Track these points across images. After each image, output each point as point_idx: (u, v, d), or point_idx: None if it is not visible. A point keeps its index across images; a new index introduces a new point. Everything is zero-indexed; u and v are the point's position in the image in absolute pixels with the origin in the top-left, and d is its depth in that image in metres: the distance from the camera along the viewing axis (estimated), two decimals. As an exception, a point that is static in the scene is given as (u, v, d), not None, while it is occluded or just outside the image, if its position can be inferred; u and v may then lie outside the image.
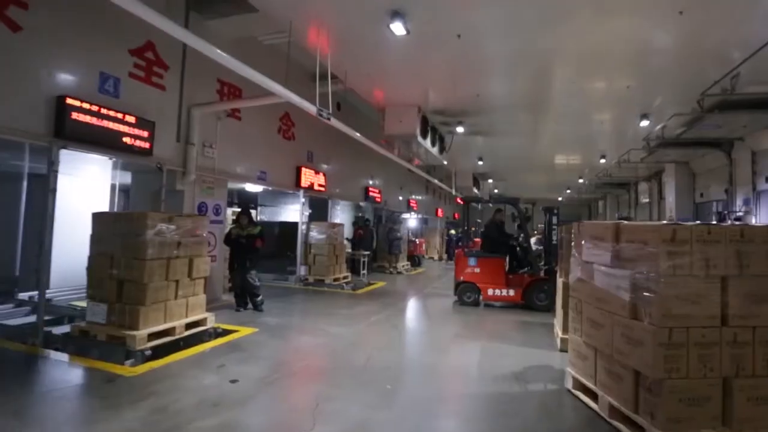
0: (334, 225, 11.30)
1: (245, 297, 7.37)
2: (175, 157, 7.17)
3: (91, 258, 5.21)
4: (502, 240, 8.90)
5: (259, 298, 7.38)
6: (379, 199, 16.39)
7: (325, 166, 12.16)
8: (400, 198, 19.77)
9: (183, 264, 5.49)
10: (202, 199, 7.85)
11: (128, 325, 4.87)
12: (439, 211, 27.17)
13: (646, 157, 15.16)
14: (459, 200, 8.42)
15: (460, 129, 12.26)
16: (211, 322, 5.81)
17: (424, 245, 19.38)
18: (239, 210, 7.58)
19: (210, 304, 7.73)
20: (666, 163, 16.12)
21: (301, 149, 11.12)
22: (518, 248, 9.05)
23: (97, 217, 5.27)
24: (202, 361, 4.63)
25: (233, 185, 9.77)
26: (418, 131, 10.86)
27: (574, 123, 12.30)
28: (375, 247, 15.42)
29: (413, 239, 18.15)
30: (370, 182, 15.87)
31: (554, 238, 8.38)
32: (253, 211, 9.76)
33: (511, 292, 8.32)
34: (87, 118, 5.42)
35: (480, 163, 18.33)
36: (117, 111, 5.87)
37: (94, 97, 5.70)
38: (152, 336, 4.92)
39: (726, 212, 12.64)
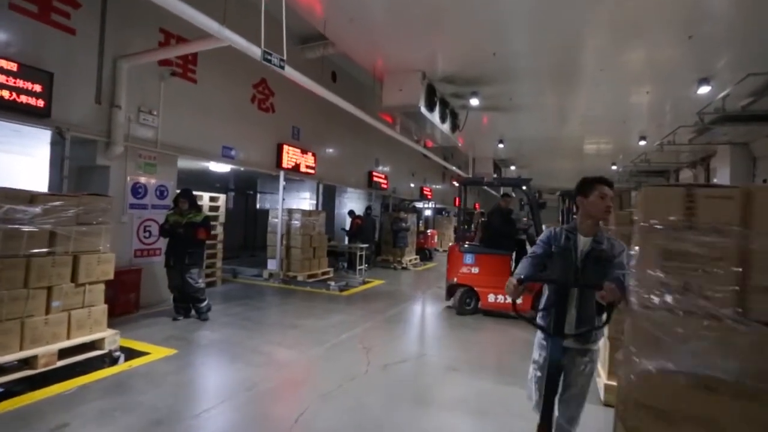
0: (311, 213, 9.60)
1: (186, 302, 5.78)
2: (92, 123, 5.57)
3: None
4: (507, 232, 7.06)
5: (203, 304, 5.77)
6: (385, 186, 14.64)
7: (315, 146, 10.44)
8: (412, 185, 17.97)
9: (62, 264, 3.89)
10: (139, 179, 6.26)
11: (-47, 355, 3.32)
12: (458, 200, 25.21)
13: (695, 137, 12.87)
14: (454, 181, 6.59)
15: (474, 101, 10.37)
16: (114, 342, 4.21)
17: (436, 237, 17.54)
18: (178, 192, 5.95)
19: (152, 308, 6.21)
20: (719, 145, 13.77)
21: (283, 124, 9.45)
22: (527, 242, 7.26)
23: None
24: (38, 415, 3.02)
25: (219, 167, 8.21)
26: (422, 101, 9.04)
27: (611, 94, 10.23)
28: (379, 239, 13.74)
29: (424, 231, 16.35)
30: (375, 167, 14.11)
31: None
32: (210, 196, 8.11)
33: (518, 299, 6.43)
34: None
35: (501, 146, 16.31)
36: (-17, 52, 4.30)
37: (-58, 29, 4.13)
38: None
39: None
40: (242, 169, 8.58)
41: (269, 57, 4.88)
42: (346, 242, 12.29)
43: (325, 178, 11.09)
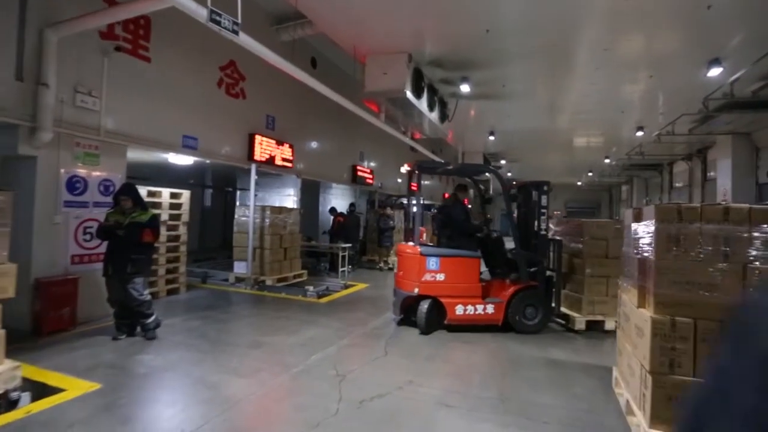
0: (281, 209, 8.71)
1: (129, 317, 4.88)
2: (11, 104, 4.64)
3: None
4: (469, 229, 6.04)
5: (150, 320, 4.87)
6: (370, 181, 13.80)
7: (293, 137, 9.53)
8: (399, 180, 17.16)
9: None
10: (76, 171, 5.33)
11: None
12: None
13: (695, 127, 12.29)
14: (408, 167, 5.72)
15: (465, 88, 9.54)
16: (12, 379, 3.28)
17: (425, 235, 16.72)
18: (120, 187, 5.06)
19: (94, 323, 5.30)
20: (719, 136, 13.16)
21: (255, 112, 8.55)
22: (488, 242, 6.20)
23: None
24: None
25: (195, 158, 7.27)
26: (408, 86, 8.21)
27: (611, 79, 9.48)
28: (364, 237, 12.90)
29: (411, 228, 15.51)
30: (360, 161, 13.25)
31: (543, 226, 5.76)
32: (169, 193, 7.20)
33: (490, 309, 5.58)
34: None
35: (491, 138, 15.54)
36: None
37: None
38: None
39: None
40: (208, 161, 7.67)
41: (218, 18, 3.98)
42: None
43: (305, 172, 10.21)
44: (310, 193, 13.94)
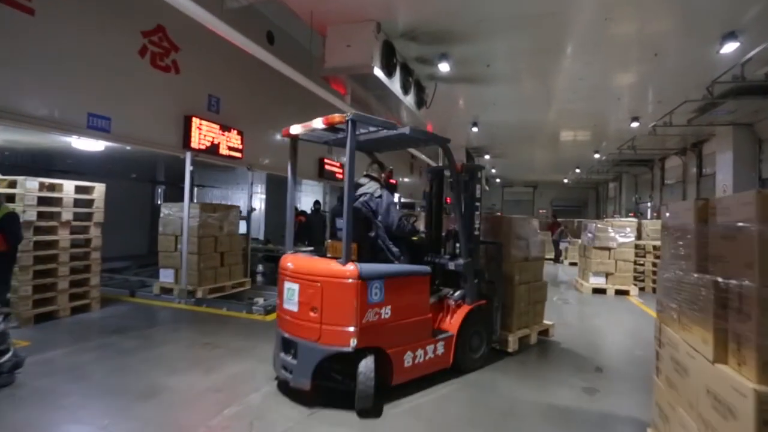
0: (216, 207, 7.33)
1: (-29, 356, 3.49)
2: None
3: None
4: (405, 231, 4.04)
5: (4, 359, 3.49)
6: (341, 176, 12.45)
7: (243, 123, 8.13)
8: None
9: None
10: None
11: None
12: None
13: (695, 117, 11.31)
14: (325, 123, 3.70)
15: (444, 67, 8.33)
16: None
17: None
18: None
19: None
20: (718, 127, 12.19)
21: (193, 91, 7.16)
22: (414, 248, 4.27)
23: None
24: None
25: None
26: (376, 61, 6.98)
27: (609, 59, 8.37)
28: (332, 238, 11.58)
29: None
30: (329, 153, 11.90)
31: (476, 224, 4.34)
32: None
33: (440, 349, 3.84)
34: None
35: (474, 130, 14.37)
36: None
37: None
38: None
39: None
40: (128, 147, 6.26)
41: None
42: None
43: (259, 164, 8.84)
44: (277, 191, 12.61)
